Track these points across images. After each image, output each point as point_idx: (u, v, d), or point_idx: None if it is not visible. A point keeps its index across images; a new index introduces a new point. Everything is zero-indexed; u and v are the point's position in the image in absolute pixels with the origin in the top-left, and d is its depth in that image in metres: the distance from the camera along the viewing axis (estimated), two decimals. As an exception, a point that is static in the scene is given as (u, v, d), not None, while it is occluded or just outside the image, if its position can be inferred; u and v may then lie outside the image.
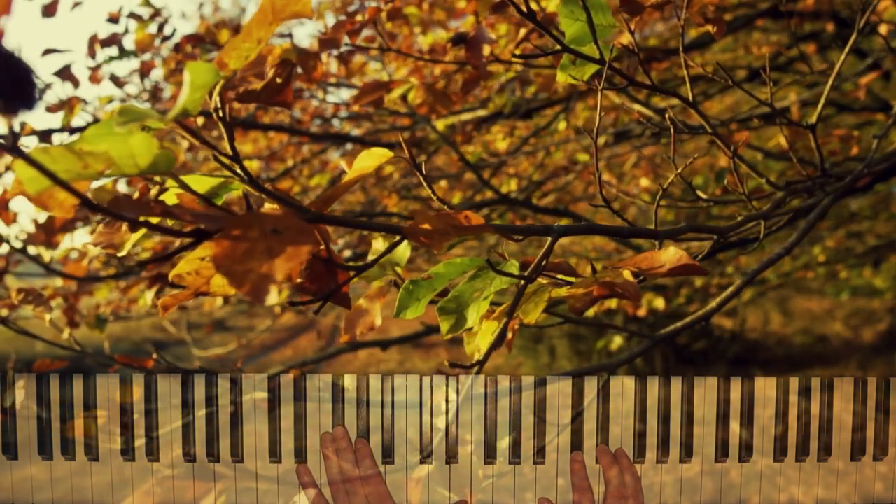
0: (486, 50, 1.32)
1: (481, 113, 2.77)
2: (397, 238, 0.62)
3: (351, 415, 0.95)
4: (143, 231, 0.55)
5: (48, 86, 1.59)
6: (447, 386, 0.96)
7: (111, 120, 0.45)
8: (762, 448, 1.01)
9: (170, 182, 0.56)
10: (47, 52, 1.72)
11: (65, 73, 1.62)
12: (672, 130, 0.96)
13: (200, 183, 0.57)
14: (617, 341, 4.26)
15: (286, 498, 0.96)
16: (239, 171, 0.55)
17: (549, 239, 0.68)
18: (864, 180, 1.58)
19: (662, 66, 2.92)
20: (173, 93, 2.61)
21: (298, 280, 0.59)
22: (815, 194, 1.24)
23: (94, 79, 1.91)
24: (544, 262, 0.65)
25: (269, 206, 0.63)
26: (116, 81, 2.04)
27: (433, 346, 7.86)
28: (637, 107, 1.74)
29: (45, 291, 1.55)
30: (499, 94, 2.77)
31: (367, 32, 1.77)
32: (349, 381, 0.97)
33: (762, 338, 7.27)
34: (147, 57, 2.09)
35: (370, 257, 1.07)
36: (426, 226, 0.59)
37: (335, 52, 1.84)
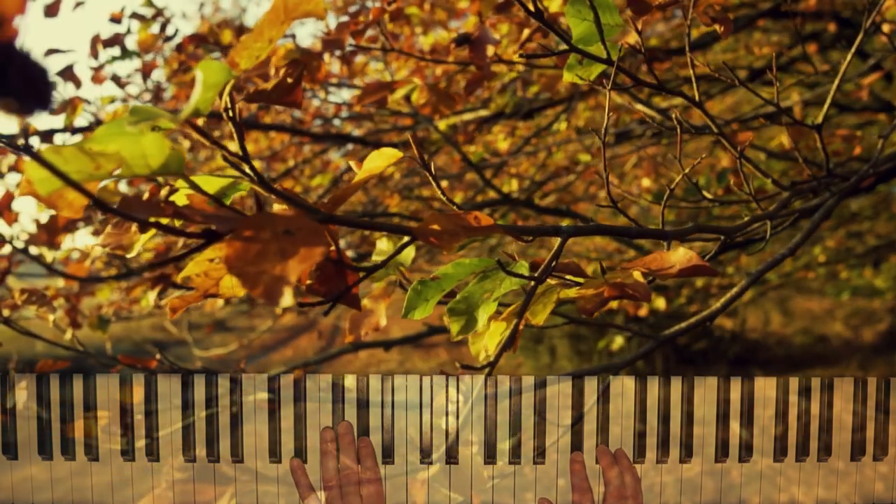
0: (490, 50, 1.32)
1: (483, 113, 2.77)
2: (406, 239, 0.62)
3: (351, 415, 0.95)
4: (152, 232, 0.55)
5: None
6: (447, 386, 0.96)
7: (121, 120, 0.45)
8: (762, 448, 1.01)
9: (178, 182, 0.56)
10: (50, 52, 1.72)
11: (67, 74, 1.62)
12: (678, 130, 0.96)
13: (209, 183, 0.57)
14: (618, 341, 4.26)
15: (287, 498, 0.95)
16: (248, 171, 0.55)
17: (559, 239, 0.67)
18: (868, 180, 1.58)
19: (664, 67, 2.92)
20: (174, 93, 2.61)
21: (308, 281, 0.59)
22: (821, 194, 1.24)
23: (97, 79, 1.91)
24: (554, 263, 0.65)
25: (277, 207, 0.63)
26: (118, 82, 2.04)
27: (433, 346, 7.86)
28: (639, 106, 1.74)
29: (47, 292, 1.55)
30: (500, 94, 2.77)
31: (369, 32, 1.77)
32: (349, 381, 0.97)
33: (762, 338, 7.27)
34: (149, 57, 2.08)
35: (374, 257, 1.07)
36: (436, 226, 0.59)
37: (337, 53, 1.84)
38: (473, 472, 0.96)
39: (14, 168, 1.60)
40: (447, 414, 0.93)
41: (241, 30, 1.82)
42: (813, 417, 1.02)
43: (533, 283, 0.65)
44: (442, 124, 2.72)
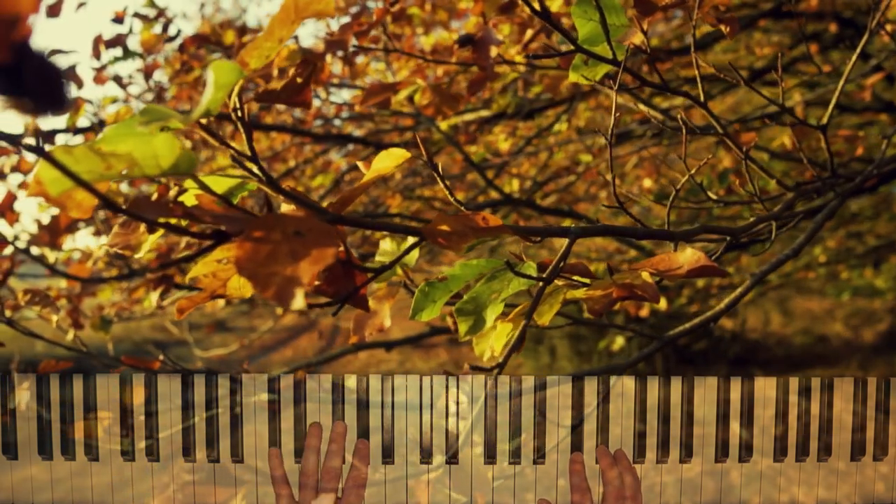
0: (494, 51, 1.31)
1: (484, 113, 2.77)
2: (413, 240, 0.62)
3: (351, 415, 0.95)
4: (160, 232, 0.55)
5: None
6: (447, 387, 0.96)
7: (132, 120, 0.44)
8: (762, 448, 1.01)
9: (186, 183, 0.55)
10: (52, 52, 1.71)
11: (69, 74, 1.61)
12: (683, 131, 0.96)
13: (218, 184, 0.57)
14: (619, 342, 4.26)
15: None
16: (257, 171, 0.55)
17: (560, 240, 0.67)
18: (871, 181, 1.58)
19: (665, 67, 2.92)
20: (174, 93, 2.61)
21: (316, 282, 0.58)
22: (824, 195, 1.24)
23: (100, 80, 1.90)
24: (562, 264, 0.65)
25: (284, 208, 0.63)
26: (119, 82, 2.03)
27: (433, 346, 7.86)
28: (641, 106, 1.74)
29: (49, 293, 1.54)
30: (501, 94, 2.77)
31: (371, 33, 1.77)
32: (350, 382, 0.97)
33: (763, 338, 7.27)
34: (152, 58, 2.08)
35: (378, 258, 1.06)
36: (444, 227, 0.59)
37: (339, 53, 1.84)
38: (474, 472, 0.96)
39: (16, 168, 1.60)
40: (448, 415, 0.93)
41: (243, 30, 1.82)
42: (813, 417, 1.02)
43: (541, 283, 0.65)
44: (443, 125, 2.72)
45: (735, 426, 1.02)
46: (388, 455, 0.94)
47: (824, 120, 1.08)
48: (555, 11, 1.69)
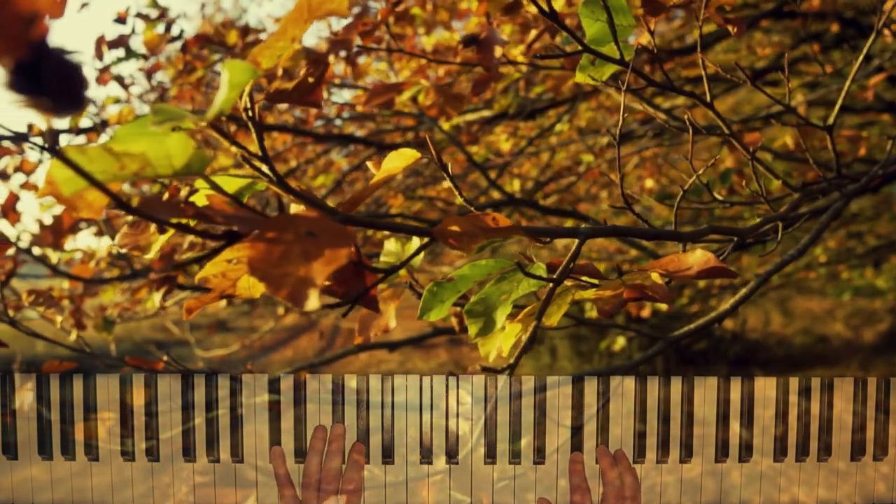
0: (498, 51, 1.31)
1: (486, 113, 2.77)
2: (419, 241, 0.61)
3: (351, 415, 0.95)
4: (170, 233, 0.55)
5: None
6: (448, 388, 0.95)
7: (144, 120, 0.44)
8: (762, 448, 1.01)
9: (197, 183, 0.55)
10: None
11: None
12: (690, 132, 0.95)
13: (228, 184, 0.57)
14: (620, 342, 4.26)
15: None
16: (268, 171, 0.54)
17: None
18: (875, 181, 1.58)
19: (667, 67, 2.92)
20: (175, 93, 2.61)
21: (326, 283, 0.58)
22: (829, 195, 1.24)
23: (103, 80, 1.90)
24: (572, 265, 0.64)
25: (293, 208, 0.63)
26: (121, 82, 2.03)
27: (434, 346, 7.86)
28: (644, 106, 1.74)
29: (53, 293, 1.54)
30: (503, 94, 2.77)
31: (374, 33, 1.76)
32: (350, 382, 0.97)
33: (763, 338, 7.27)
34: (153, 59, 2.07)
35: (383, 258, 1.06)
36: (455, 228, 0.59)
37: (342, 54, 1.83)
38: (474, 472, 0.96)
39: (19, 168, 1.60)
40: (449, 416, 0.93)
41: (246, 30, 1.82)
42: (813, 417, 1.02)
43: (550, 284, 0.65)
44: (445, 125, 2.72)
45: (735, 426, 1.02)
46: (388, 455, 0.94)
47: (830, 120, 1.08)
48: (558, 11, 1.68)
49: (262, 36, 2.50)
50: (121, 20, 1.89)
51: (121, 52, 1.91)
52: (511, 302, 0.67)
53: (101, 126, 1.71)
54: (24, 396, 0.98)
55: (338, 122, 3.23)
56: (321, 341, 7.87)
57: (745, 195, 2.36)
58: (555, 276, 0.62)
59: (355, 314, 1.12)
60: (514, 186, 3.69)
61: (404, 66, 2.72)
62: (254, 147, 0.55)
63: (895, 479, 1.03)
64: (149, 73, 2.08)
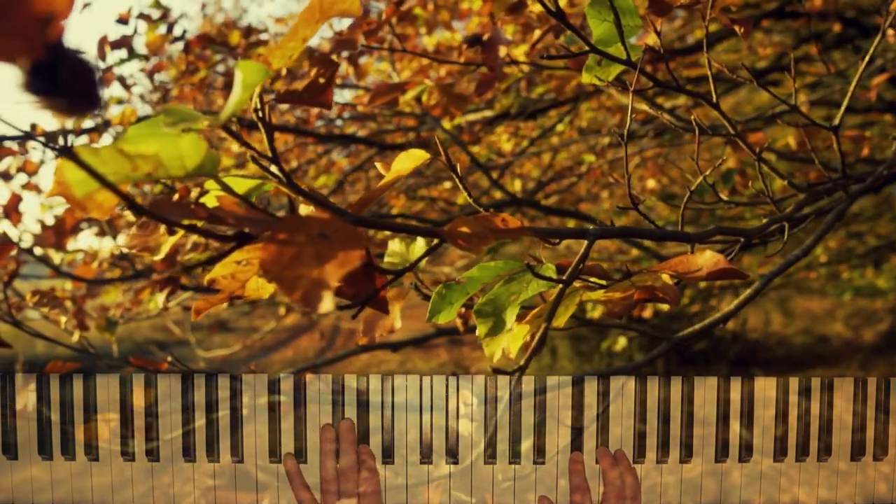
0: (502, 51, 1.31)
1: (488, 113, 2.77)
2: (431, 242, 0.61)
3: (351, 415, 0.95)
4: (180, 234, 0.54)
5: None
6: (447, 387, 0.95)
7: (156, 121, 0.44)
8: (762, 448, 1.01)
9: (207, 184, 0.55)
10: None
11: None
12: (696, 132, 0.95)
13: (238, 185, 0.56)
14: (621, 342, 4.25)
15: (287, 498, 0.95)
16: (277, 172, 0.54)
17: (586, 242, 0.67)
18: (879, 181, 1.58)
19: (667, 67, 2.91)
20: (176, 93, 2.60)
21: (336, 284, 0.58)
22: (833, 196, 1.24)
23: (105, 81, 1.89)
24: (581, 266, 0.64)
25: (303, 209, 0.62)
26: (123, 82, 2.03)
27: (434, 346, 7.85)
28: (647, 106, 1.74)
29: (56, 294, 1.54)
30: (505, 94, 2.77)
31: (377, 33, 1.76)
32: (350, 382, 0.97)
33: (763, 338, 7.27)
34: (155, 59, 2.07)
35: (387, 258, 1.06)
36: (465, 229, 0.58)
37: (344, 54, 1.83)
38: (475, 473, 0.96)
39: (22, 169, 1.60)
40: (449, 416, 0.93)
41: (248, 31, 1.81)
42: (813, 418, 1.02)
43: (559, 285, 0.64)
44: (447, 125, 2.72)
45: (735, 426, 1.02)
46: (388, 455, 0.94)
47: (836, 121, 1.08)
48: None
49: (263, 36, 2.50)
50: (123, 21, 1.89)
51: (123, 53, 1.91)
52: (520, 303, 0.67)
53: (104, 126, 1.70)
54: (25, 396, 0.98)
55: (339, 122, 3.23)
56: (321, 341, 7.87)
57: (748, 195, 2.36)
58: (564, 278, 0.62)
59: (365, 315, 1.12)
60: (516, 186, 3.69)
61: (405, 67, 2.72)
62: (259, 147, 0.55)
63: (895, 479, 1.03)
64: (151, 74, 2.08)
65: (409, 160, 0.60)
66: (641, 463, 0.97)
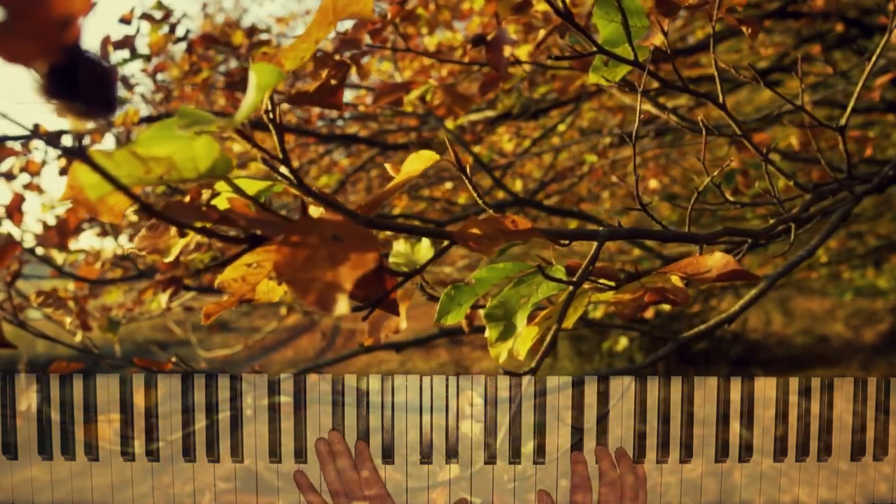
0: (507, 51, 1.31)
1: (489, 114, 2.76)
2: (445, 243, 0.61)
3: (351, 415, 0.95)
4: (191, 236, 0.54)
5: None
6: (447, 387, 0.95)
7: (169, 123, 0.44)
8: (763, 448, 1.01)
9: (218, 185, 0.55)
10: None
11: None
12: (704, 133, 0.95)
13: (248, 186, 0.56)
14: (622, 343, 4.25)
15: (287, 499, 0.95)
16: (288, 174, 0.54)
17: (595, 244, 0.66)
18: (884, 181, 1.57)
19: (669, 68, 2.91)
20: (178, 93, 2.60)
21: (350, 287, 0.58)
22: (839, 196, 1.24)
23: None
24: (591, 268, 0.64)
25: (312, 211, 0.62)
26: (126, 83, 2.02)
27: (434, 346, 7.85)
28: (650, 107, 1.73)
29: (60, 294, 1.54)
30: (507, 94, 2.76)
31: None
32: (350, 382, 0.97)
33: (763, 338, 7.27)
34: (157, 59, 2.07)
35: (392, 259, 1.06)
36: (475, 231, 0.58)
37: (347, 54, 1.83)
38: (475, 473, 0.95)
39: (24, 169, 1.59)
40: (448, 416, 0.93)
41: (252, 31, 1.81)
42: (814, 418, 1.02)
43: (570, 287, 0.64)
44: (450, 125, 2.72)
45: (736, 426, 1.02)
46: (388, 455, 0.94)
47: (843, 121, 1.08)
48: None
49: (264, 36, 2.49)
50: (126, 21, 1.89)
51: (126, 54, 1.90)
52: (531, 305, 0.66)
53: (107, 126, 1.70)
54: (29, 397, 0.98)
55: (340, 122, 3.22)
56: (322, 341, 7.87)
57: (749, 195, 2.35)
58: (575, 279, 0.62)
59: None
60: (517, 187, 3.69)
61: (406, 67, 2.72)
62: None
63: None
64: (153, 74, 2.07)
65: (418, 161, 0.60)
66: (641, 463, 0.97)
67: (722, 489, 1.01)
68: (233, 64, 2.27)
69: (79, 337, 1.32)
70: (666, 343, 1.04)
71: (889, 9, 1.15)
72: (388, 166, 0.63)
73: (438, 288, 1.03)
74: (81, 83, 0.30)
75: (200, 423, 0.96)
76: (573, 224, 2.88)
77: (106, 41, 1.84)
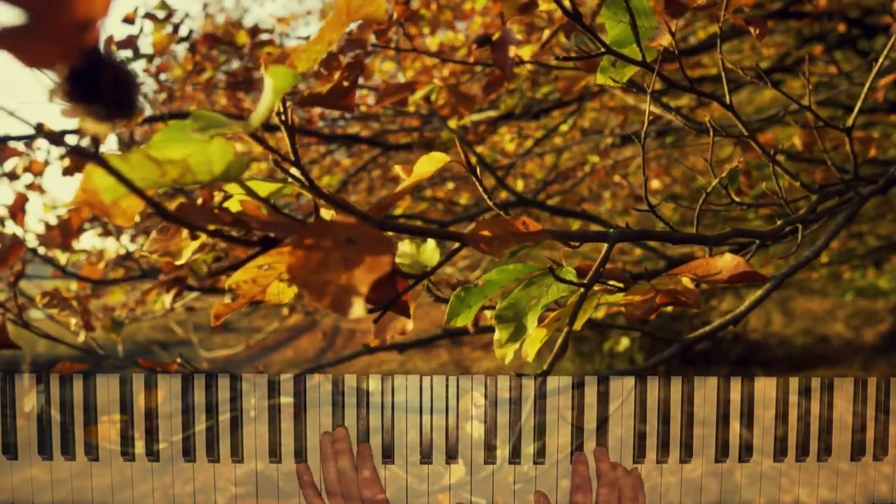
0: (512, 51, 1.31)
1: (492, 114, 2.76)
2: (456, 245, 0.61)
3: (351, 415, 0.95)
4: (202, 238, 0.54)
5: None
6: (447, 387, 0.95)
7: (182, 125, 0.43)
8: (763, 448, 1.01)
9: (230, 188, 0.54)
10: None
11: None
12: (711, 133, 0.95)
13: (260, 188, 0.56)
14: (623, 343, 4.25)
15: (286, 499, 0.95)
16: (300, 176, 0.54)
17: (606, 245, 0.66)
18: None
19: (672, 68, 2.91)
20: (181, 93, 2.59)
21: (366, 290, 0.57)
22: (845, 197, 1.23)
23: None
24: (602, 269, 0.64)
25: (323, 213, 0.62)
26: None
27: (435, 346, 7.85)
28: (654, 107, 1.73)
29: (64, 294, 1.53)
30: (509, 94, 2.76)
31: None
32: (350, 382, 0.97)
33: (763, 338, 7.27)
34: (159, 59, 2.06)
35: (397, 260, 1.06)
36: (486, 233, 0.58)
37: (350, 54, 1.83)
38: (475, 473, 0.95)
39: (28, 169, 1.59)
40: (447, 416, 0.93)
41: (255, 30, 1.81)
42: (814, 418, 1.02)
43: (581, 289, 0.64)
44: (452, 125, 2.72)
45: (736, 426, 1.02)
46: (388, 455, 0.93)
47: (849, 122, 1.08)
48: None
49: (266, 36, 2.49)
50: (129, 21, 1.88)
51: (129, 53, 1.90)
52: (541, 307, 0.66)
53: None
54: (32, 398, 0.98)
55: (341, 122, 3.22)
56: (322, 341, 7.87)
57: (752, 195, 2.35)
58: (586, 281, 0.61)
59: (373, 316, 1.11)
60: (519, 187, 3.69)
61: (408, 67, 2.72)
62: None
63: (896, 480, 1.03)
64: (156, 74, 2.07)
65: (429, 163, 0.59)
66: (641, 463, 0.97)
67: (722, 489, 1.01)
68: (235, 64, 2.27)
69: (82, 337, 1.32)
70: (670, 344, 1.04)
71: (894, 9, 1.15)
72: (398, 169, 0.63)
73: (442, 288, 1.03)
74: (102, 86, 0.30)
75: (200, 423, 0.96)
76: (576, 224, 2.88)
77: (109, 41, 1.84)
